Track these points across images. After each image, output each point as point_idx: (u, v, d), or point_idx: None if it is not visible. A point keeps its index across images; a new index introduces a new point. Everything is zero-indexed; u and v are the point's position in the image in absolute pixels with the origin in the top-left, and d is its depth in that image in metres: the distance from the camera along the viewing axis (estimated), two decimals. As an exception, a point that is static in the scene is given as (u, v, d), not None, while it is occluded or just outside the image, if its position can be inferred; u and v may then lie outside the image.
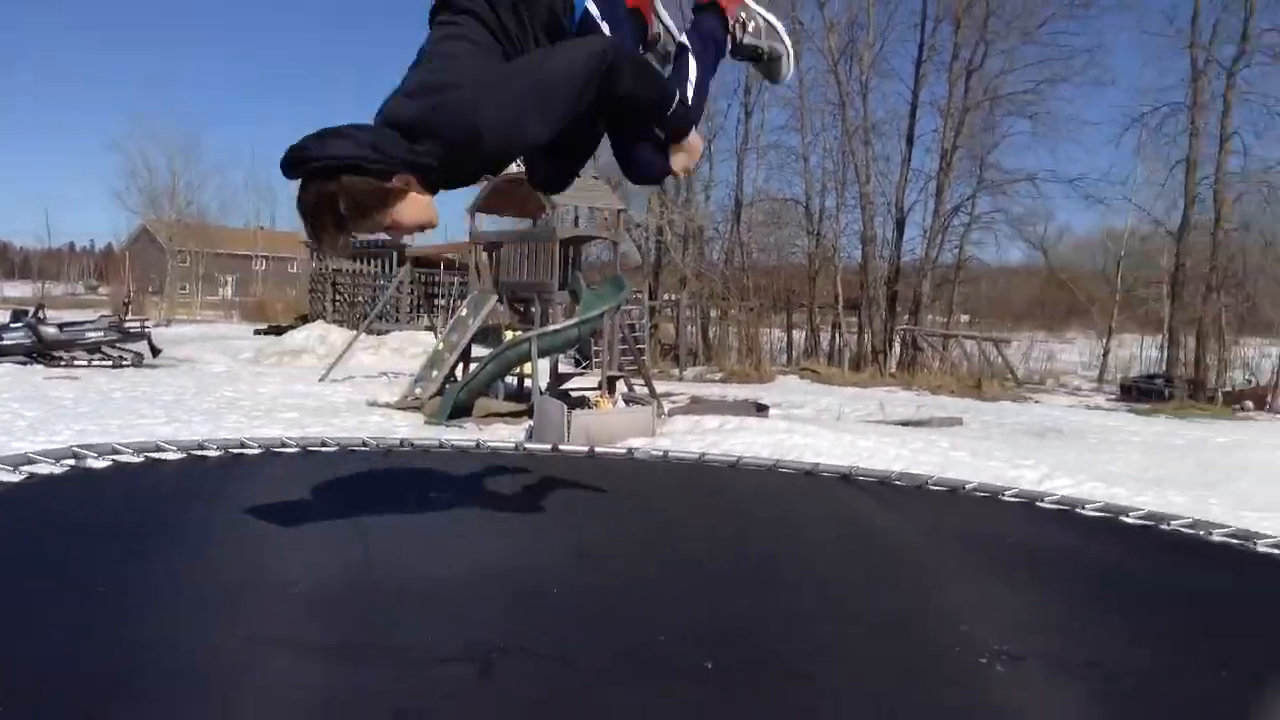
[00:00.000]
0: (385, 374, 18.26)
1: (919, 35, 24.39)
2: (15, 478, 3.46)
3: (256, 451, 4.25)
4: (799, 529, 3.87)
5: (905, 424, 13.06)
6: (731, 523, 3.92)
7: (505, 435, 10.40)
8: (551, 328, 12.99)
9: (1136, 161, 25.49)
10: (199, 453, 4.16)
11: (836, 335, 25.43)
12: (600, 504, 4.17)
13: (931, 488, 4.65)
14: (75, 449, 3.83)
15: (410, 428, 11.30)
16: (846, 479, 4.68)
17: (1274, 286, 23.04)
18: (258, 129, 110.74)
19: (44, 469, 3.64)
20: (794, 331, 26.65)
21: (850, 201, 24.95)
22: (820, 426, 11.17)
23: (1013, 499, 4.45)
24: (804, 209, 25.53)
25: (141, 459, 3.92)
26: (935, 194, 24.17)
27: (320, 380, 16.06)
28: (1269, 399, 19.71)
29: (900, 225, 24.66)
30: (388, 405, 13.42)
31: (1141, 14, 27.51)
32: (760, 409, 12.51)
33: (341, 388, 15.40)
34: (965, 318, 27.61)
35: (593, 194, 14.93)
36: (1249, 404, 19.53)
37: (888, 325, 23.66)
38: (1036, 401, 18.94)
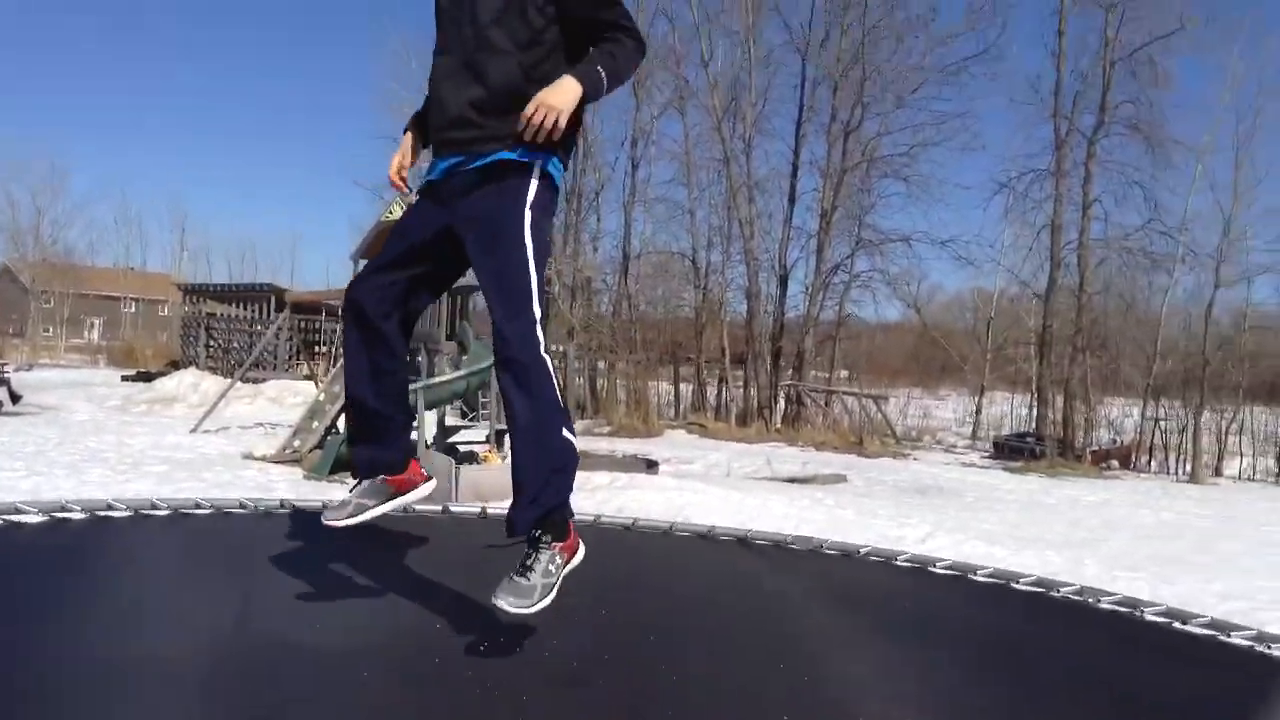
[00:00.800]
0: (262, 424, 17.64)
1: (799, 96, 25.20)
2: None
3: (124, 514, 4.02)
4: (697, 596, 3.83)
5: (792, 480, 13.22)
6: (626, 590, 3.86)
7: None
8: (439, 379, 12.75)
9: (1004, 225, 26.65)
10: (61, 514, 3.92)
11: (723, 389, 25.68)
12: (488, 570, 4.06)
13: (826, 551, 4.68)
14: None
15: (288, 483, 10.89)
16: (743, 542, 4.68)
17: (1134, 348, 24.28)
18: (128, 163, 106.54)
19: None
20: (681, 384, 26.83)
21: (735, 256, 25.41)
22: (709, 484, 11.20)
23: (906, 563, 4.52)
24: (691, 262, 25.87)
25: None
26: (816, 252, 24.79)
27: (192, 431, 15.40)
28: (1133, 458, 20.67)
29: (784, 281, 25.20)
30: (264, 458, 12.95)
31: (1009, 83, 28.82)
32: (650, 465, 12.50)
33: (215, 439, 14.80)
34: (844, 373, 28.27)
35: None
36: (1114, 463, 20.47)
37: (773, 380, 24.02)
38: (915, 459, 19.44)
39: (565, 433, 2.48)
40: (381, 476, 2.61)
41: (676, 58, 24.67)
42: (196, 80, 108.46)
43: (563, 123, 2.27)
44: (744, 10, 24.28)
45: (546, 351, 2.44)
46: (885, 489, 13.39)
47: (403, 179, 2.59)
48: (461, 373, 12.68)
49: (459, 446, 13.15)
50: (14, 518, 3.77)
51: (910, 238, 24.63)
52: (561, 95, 2.25)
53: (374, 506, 2.60)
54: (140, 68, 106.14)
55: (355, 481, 2.65)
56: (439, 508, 5.02)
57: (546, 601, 2.35)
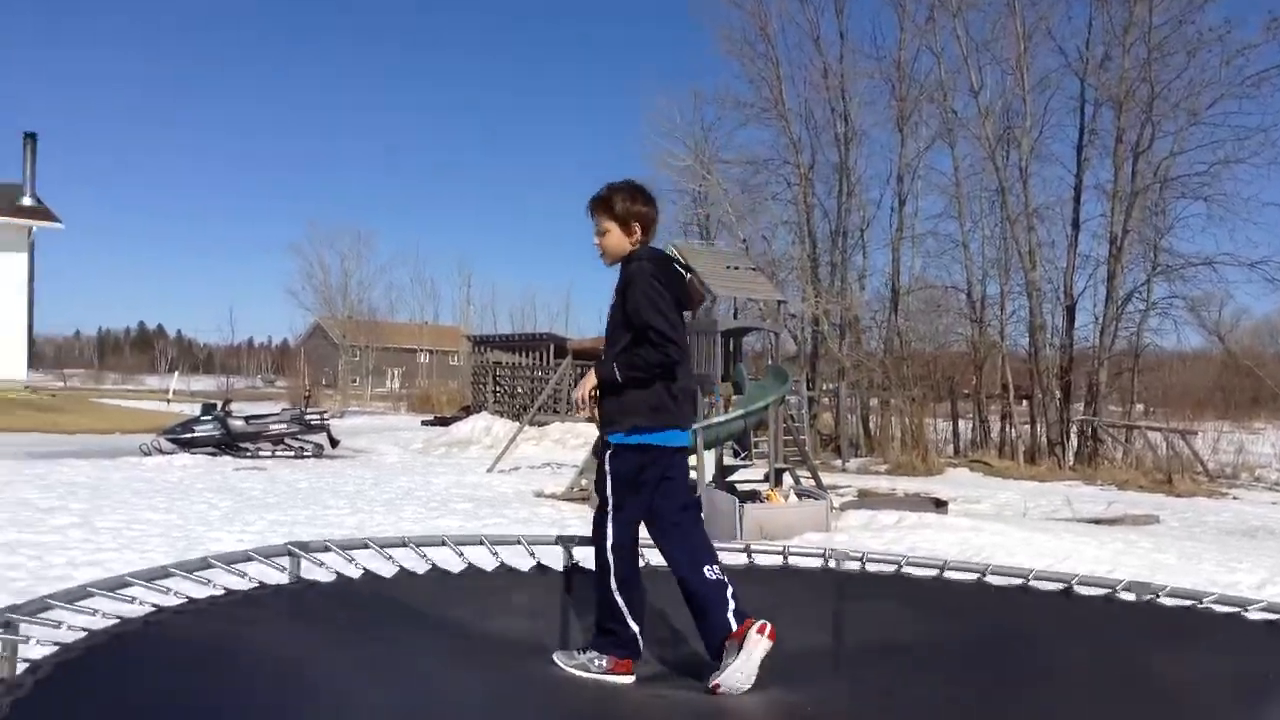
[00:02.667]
0: (549, 464, 18.47)
1: (1078, 119, 23.72)
2: (245, 584, 3.53)
3: (458, 565, 4.25)
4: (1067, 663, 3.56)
5: (1097, 522, 12.30)
6: (959, 647, 3.66)
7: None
8: (717, 419, 12.87)
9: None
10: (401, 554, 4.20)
11: (1007, 426, 24.40)
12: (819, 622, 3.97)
13: (1164, 601, 4.26)
14: (289, 548, 3.90)
15: (580, 521, 11.29)
16: (1068, 593, 4.33)
17: None
18: (423, 228, 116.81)
19: (267, 571, 3.71)
20: (959, 421, 25.74)
21: (1015, 288, 24.15)
22: (1007, 524, 10.59)
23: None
24: (966, 296, 24.85)
25: (351, 562, 3.96)
26: (1107, 279, 23.11)
27: (488, 471, 16.35)
28: None
29: (1070, 312, 23.61)
30: (553, 496, 13.50)
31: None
32: (939, 504, 11.99)
33: (509, 478, 15.61)
34: (1139, 407, 26.08)
35: (751, 285, 14.90)
36: None
37: (1063, 415, 22.55)
38: (1235, 498, 17.59)
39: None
40: (612, 658, 3.39)
41: (943, 91, 23.95)
42: (478, 147, 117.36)
43: (582, 397, 3.50)
44: (1015, 37, 23.21)
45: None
46: (1206, 530, 12.17)
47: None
48: (738, 413, 12.71)
49: (735, 485, 13.19)
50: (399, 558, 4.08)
51: (1214, 260, 22.48)
52: (585, 379, 3.50)
53: (592, 672, 3.39)
54: (432, 142, 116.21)
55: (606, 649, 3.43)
56: (733, 545, 5.01)
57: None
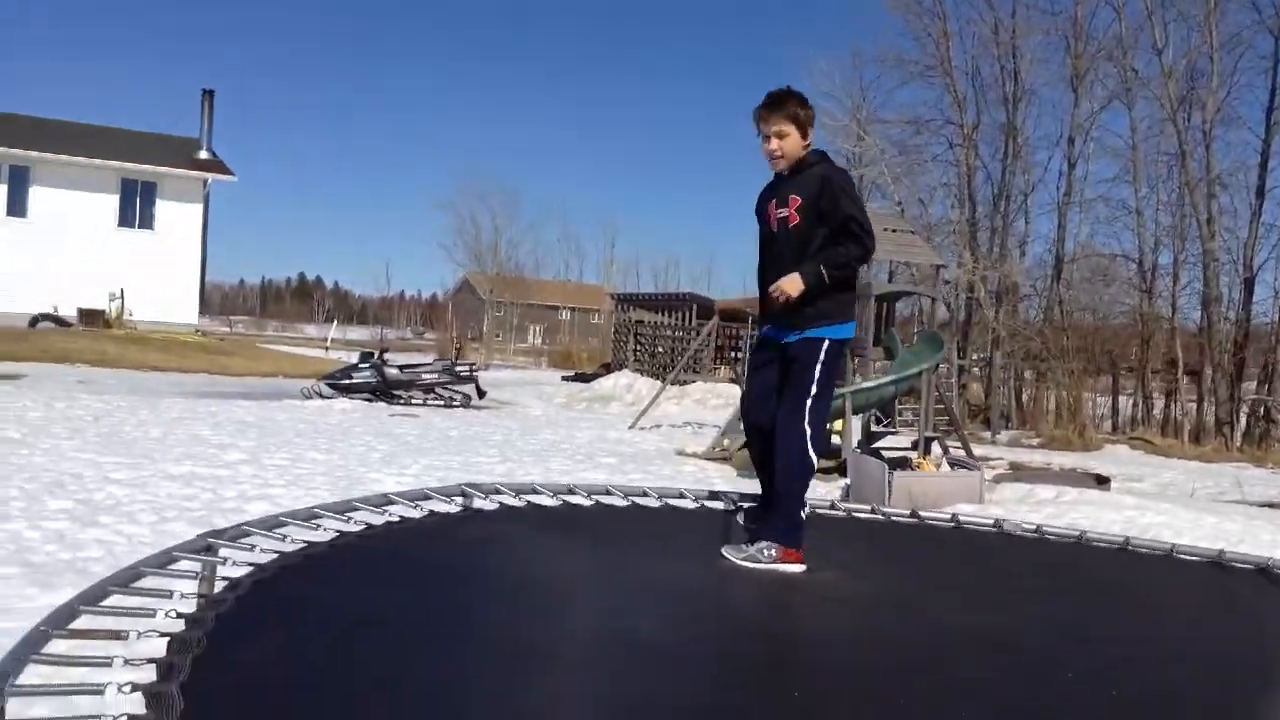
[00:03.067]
0: (689, 424, 18.47)
1: (1269, 80, 22.04)
2: (418, 514, 3.63)
3: (623, 504, 4.27)
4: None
5: (1269, 506, 11.56)
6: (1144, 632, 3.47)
7: (821, 493, 10.13)
8: (867, 384, 12.62)
9: None
10: (568, 498, 4.25)
11: (1172, 403, 23.18)
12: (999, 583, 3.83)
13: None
14: (463, 487, 3.99)
15: (724, 480, 11.27)
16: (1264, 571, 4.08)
17: None
18: (568, 187, 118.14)
19: (440, 506, 3.80)
20: (1119, 397, 24.57)
21: (1190, 259, 22.80)
22: (1174, 504, 10.06)
23: None
24: (1136, 265, 23.58)
25: (523, 502, 4.03)
26: (1292, 253, 21.59)
27: (630, 428, 16.47)
28: None
29: (1249, 285, 22.17)
30: (695, 455, 13.49)
31: None
32: (1101, 480, 11.49)
33: (650, 435, 15.69)
34: None
35: (908, 249, 14.47)
36: None
37: (1234, 394, 21.26)
38: None
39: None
40: (781, 548, 3.48)
41: (1123, 48, 22.62)
42: (626, 105, 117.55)
43: (790, 299, 3.47)
44: (1204, -8, 21.70)
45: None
46: (1397, 523, 11.30)
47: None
48: (890, 378, 12.45)
49: (881, 452, 12.93)
50: (532, 497, 4.14)
51: None
52: (788, 283, 3.47)
53: (763, 563, 3.47)
54: (575, 101, 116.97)
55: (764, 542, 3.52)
56: (869, 509, 4.88)
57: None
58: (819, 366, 3.55)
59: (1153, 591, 3.80)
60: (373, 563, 2.98)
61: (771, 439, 3.63)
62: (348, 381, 18.06)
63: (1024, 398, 24.56)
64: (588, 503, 4.16)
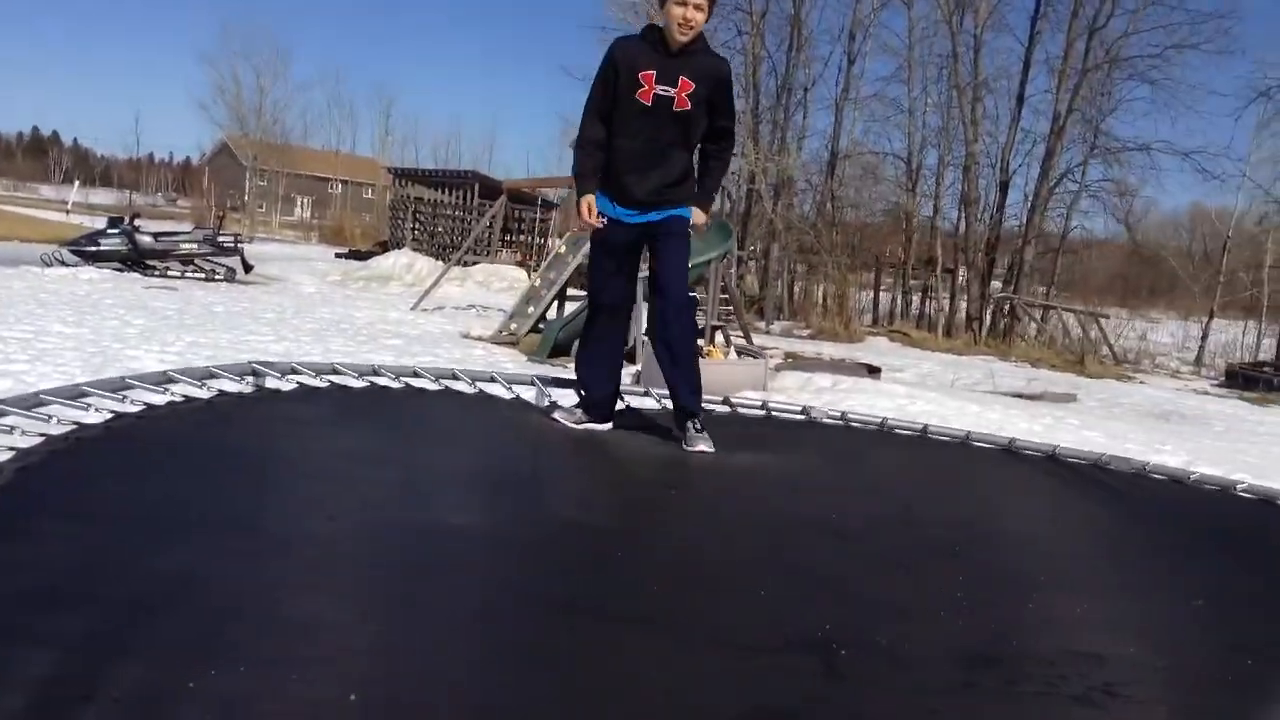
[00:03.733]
0: (474, 306, 18.06)
1: (1035, -14, 23.18)
2: (205, 394, 3.20)
3: (434, 387, 3.99)
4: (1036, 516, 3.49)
5: (1018, 396, 12.53)
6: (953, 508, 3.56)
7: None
8: (658, 271, 12.60)
9: (1259, 138, 24.18)
10: (374, 379, 3.91)
11: (928, 300, 24.68)
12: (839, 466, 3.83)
13: (1154, 476, 4.24)
14: (254, 366, 3.57)
15: (514, 364, 11.05)
16: (1053, 458, 4.30)
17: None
18: (345, 49, 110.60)
19: (229, 386, 3.38)
20: (880, 293, 25.95)
21: (954, 160, 24.05)
22: (940, 393, 10.70)
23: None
24: (905, 164, 24.68)
25: (325, 382, 3.66)
26: (1043, 158, 23.14)
27: (412, 309, 15.89)
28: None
29: (1004, 188, 23.67)
30: (481, 338, 13.19)
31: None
32: (872, 370, 12.06)
33: (434, 318, 15.21)
34: (1041, 289, 26.58)
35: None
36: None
37: (984, 292, 22.86)
38: (1141, 382, 18.22)
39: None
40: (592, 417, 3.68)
41: (909, -54, 23.15)
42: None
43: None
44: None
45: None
46: (1123, 411, 12.54)
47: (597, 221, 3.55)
48: (681, 265, 12.46)
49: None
50: (333, 377, 3.78)
51: (1151, 146, 22.64)
52: (702, 218, 3.70)
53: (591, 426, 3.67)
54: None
55: (579, 408, 3.72)
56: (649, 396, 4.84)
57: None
58: (685, 239, 3.65)
59: (967, 477, 3.89)
60: (158, 447, 2.57)
61: (621, 316, 3.77)
62: (95, 249, 16.45)
63: (795, 290, 25.48)
64: (395, 385, 3.84)
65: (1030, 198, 23.43)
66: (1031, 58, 23.17)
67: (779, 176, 24.38)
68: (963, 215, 23.75)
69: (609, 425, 3.69)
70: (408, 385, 3.87)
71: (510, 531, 2.40)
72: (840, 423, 4.50)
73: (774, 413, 4.56)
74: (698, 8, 3.34)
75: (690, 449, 3.48)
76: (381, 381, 3.86)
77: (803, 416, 4.53)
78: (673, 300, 3.65)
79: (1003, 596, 2.30)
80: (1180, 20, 21.79)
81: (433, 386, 3.95)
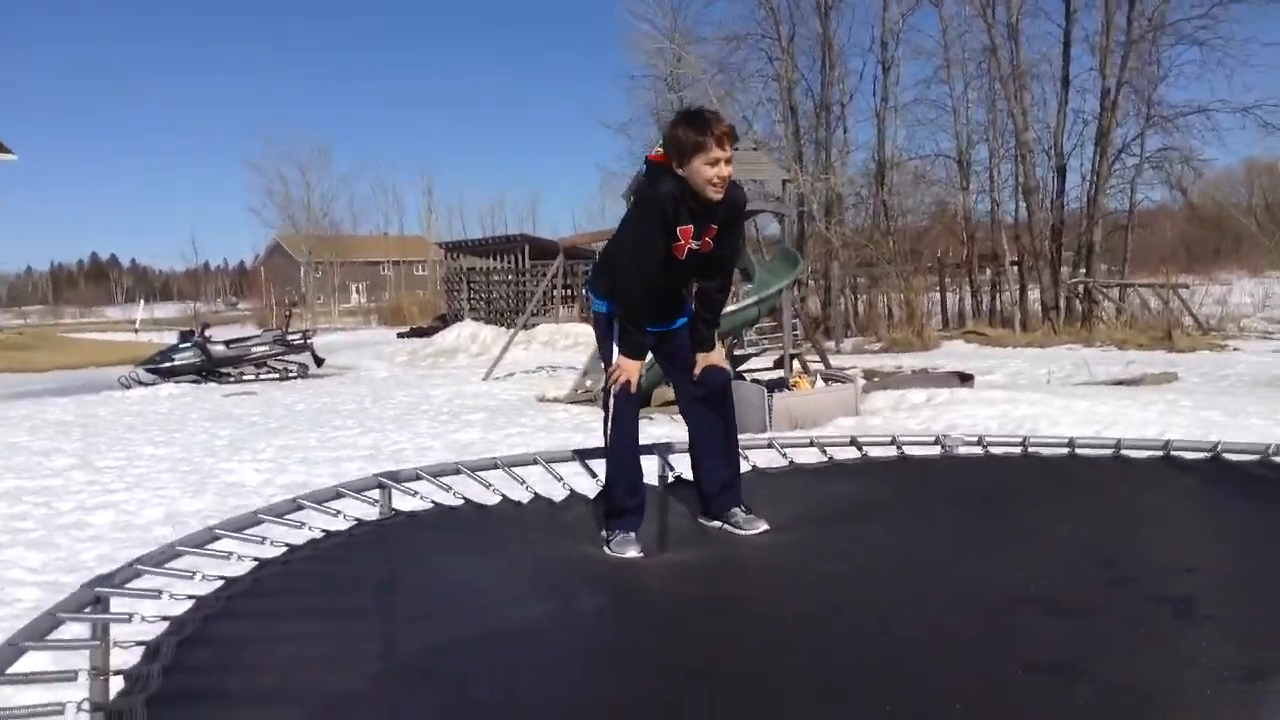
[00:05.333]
0: (542, 368, 18.02)
1: (1068, -36, 22.75)
2: (342, 522, 3.07)
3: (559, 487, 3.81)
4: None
5: (1119, 384, 12.08)
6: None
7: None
8: (730, 307, 12.41)
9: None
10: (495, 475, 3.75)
11: (997, 294, 24.15)
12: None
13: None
14: (380, 479, 3.43)
15: (596, 421, 10.91)
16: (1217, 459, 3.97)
17: None
18: (382, 135, 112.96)
19: (358, 508, 3.24)
20: (948, 294, 25.47)
21: (1006, 152, 23.60)
22: (1041, 393, 10.32)
23: None
24: (956, 163, 24.24)
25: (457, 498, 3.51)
26: (1097, 136, 22.57)
27: (485, 379, 15.87)
28: None
29: (1061, 172, 23.14)
30: (558, 400, 13.09)
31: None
32: (964, 379, 11.70)
33: (508, 385, 15.15)
34: (1103, 266, 25.84)
35: (754, 166, 14.23)
36: None
37: (1055, 279, 22.29)
38: (1235, 349, 17.52)
39: None
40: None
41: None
42: (431, 50, 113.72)
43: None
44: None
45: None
46: (1230, 383, 12.01)
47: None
48: (751, 300, 12.26)
49: (745, 375, 12.81)
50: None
51: (1208, 108, 21.97)
52: (719, 358, 3.48)
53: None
54: (381, 48, 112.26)
55: (620, 533, 3.23)
56: (763, 440, 4.60)
57: None
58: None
59: (1148, 499, 3.58)
60: (318, 594, 2.43)
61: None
62: (170, 364, 16.75)
63: (859, 305, 25.13)
64: (523, 491, 3.67)
65: (1089, 178, 22.87)
66: (1071, 37, 22.74)
67: (828, 194, 24.15)
68: (1024, 205, 23.26)
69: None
70: (537, 495, 3.66)
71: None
72: (979, 450, 4.25)
73: (904, 446, 4.30)
74: (728, 162, 3.13)
75: (751, 531, 3.27)
76: (508, 486, 3.68)
77: (938, 449, 4.28)
78: (724, 401, 3.47)
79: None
80: (1220, -24, 21.22)
81: (556, 486, 3.76)
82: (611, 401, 3.36)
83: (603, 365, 3.49)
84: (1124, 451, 4.20)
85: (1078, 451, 4.22)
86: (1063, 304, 22.34)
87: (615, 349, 3.30)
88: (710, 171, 3.09)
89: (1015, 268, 23.69)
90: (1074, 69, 23.02)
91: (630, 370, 3.26)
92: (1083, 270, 22.89)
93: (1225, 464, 3.97)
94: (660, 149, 3.27)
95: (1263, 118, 21.91)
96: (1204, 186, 28.59)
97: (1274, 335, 20.93)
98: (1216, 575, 2.56)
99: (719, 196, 3.15)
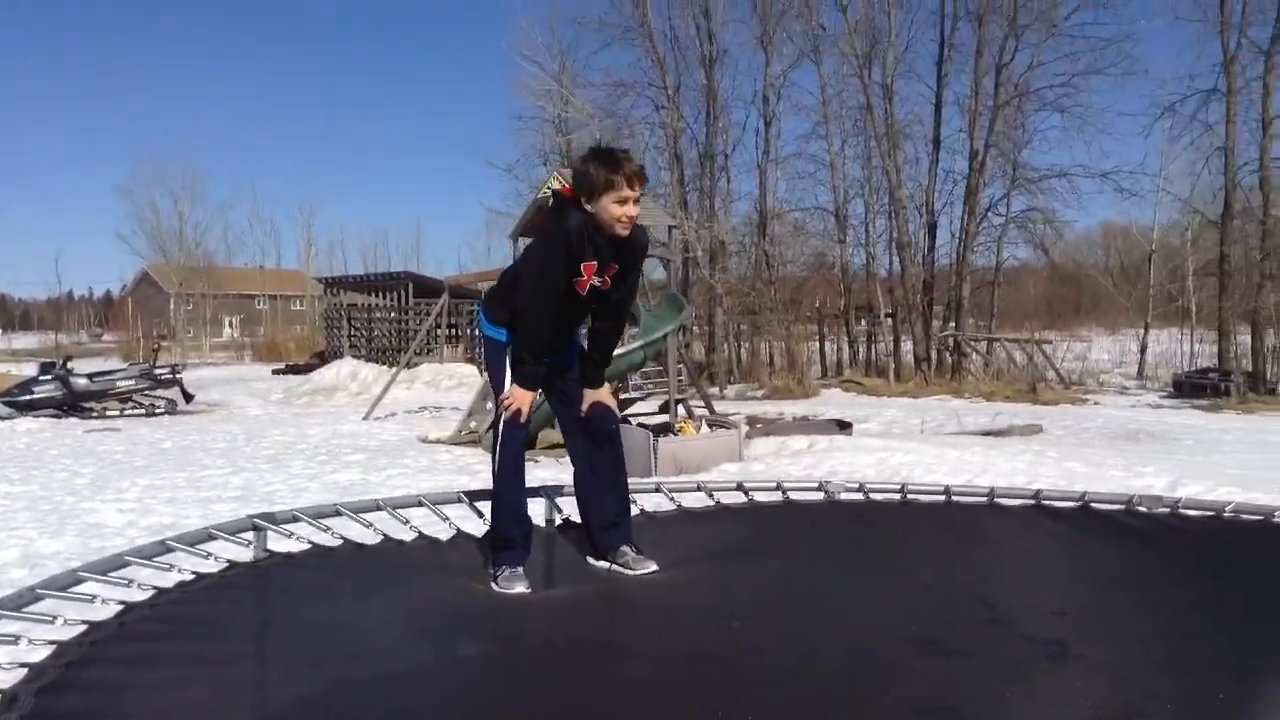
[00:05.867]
0: (425, 408, 17.71)
1: (938, 33, 23.88)
2: (212, 565, 2.94)
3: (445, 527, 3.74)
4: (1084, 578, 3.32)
5: (988, 434, 12.54)
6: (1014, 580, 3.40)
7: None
8: (617, 351, 12.45)
9: (1171, 151, 24.99)
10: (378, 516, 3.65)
11: (873, 345, 24.89)
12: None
13: (1186, 512, 4.12)
14: (254, 521, 3.31)
15: (481, 464, 10.76)
16: (1085, 508, 4.15)
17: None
18: (261, 165, 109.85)
19: (231, 549, 3.12)
20: (826, 343, 26.12)
21: (881, 207, 24.47)
22: (916, 442, 10.63)
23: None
24: (834, 217, 25.00)
25: (335, 537, 3.40)
26: (965, 195, 23.62)
27: (365, 418, 15.52)
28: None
29: (932, 229, 24.10)
30: (439, 440, 12.89)
31: (1171, -1, 26.90)
32: (843, 426, 11.96)
33: (389, 425, 14.86)
34: (970, 321, 27.01)
35: (645, 212, 14.38)
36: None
37: (927, 332, 23.10)
38: (1095, 403, 18.43)
39: None
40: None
41: (809, 6, 23.70)
42: (318, 80, 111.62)
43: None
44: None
45: None
46: (1091, 436, 12.59)
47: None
48: (638, 344, 12.33)
49: (630, 419, 12.85)
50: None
51: (1068, 172, 23.26)
52: (608, 395, 3.56)
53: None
54: (262, 74, 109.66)
55: (508, 568, 3.20)
56: (650, 484, 4.65)
57: None
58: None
59: (1021, 544, 3.71)
60: (188, 639, 2.31)
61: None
62: (29, 397, 15.89)
63: (742, 352, 25.53)
64: (407, 531, 3.59)
65: (959, 235, 23.86)
66: (942, 99, 23.81)
67: (712, 242, 24.57)
68: (897, 259, 24.09)
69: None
70: (421, 534, 3.58)
71: None
72: (861, 496, 4.34)
73: (789, 492, 4.38)
74: (636, 202, 3.17)
75: (640, 571, 3.29)
76: (391, 525, 3.59)
77: (821, 495, 4.36)
78: (611, 439, 3.51)
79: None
80: (1082, 49, 22.59)
81: (442, 526, 3.69)
82: (500, 428, 3.36)
83: (494, 393, 3.48)
84: (997, 499, 4.37)
85: (954, 499, 4.37)
86: (934, 356, 23.14)
87: (508, 378, 3.31)
88: (618, 210, 3.12)
89: (890, 320, 24.46)
90: (944, 130, 24.12)
91: (522, 400, 3.27)
92: (952, 324, 23.78)
93: (1093, 512, 4.17)
94: (566, 184, 3.30)
95: (1118, 183, 23.33)
96: (1065, 247, 30.07)
97: (1130, 390, 22.10)
98: (1089, 617, 2.66)
99: (625, 234, 3.18)
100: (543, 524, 3.74)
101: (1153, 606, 2.82)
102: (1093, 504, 4.21)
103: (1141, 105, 44.01)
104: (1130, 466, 9.33)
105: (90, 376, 16.91)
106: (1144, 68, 34.93)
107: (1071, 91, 22.68)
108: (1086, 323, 37.78)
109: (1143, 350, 26.35)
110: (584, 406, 3.45)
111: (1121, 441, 11.98)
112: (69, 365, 16.91)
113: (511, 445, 3.36)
